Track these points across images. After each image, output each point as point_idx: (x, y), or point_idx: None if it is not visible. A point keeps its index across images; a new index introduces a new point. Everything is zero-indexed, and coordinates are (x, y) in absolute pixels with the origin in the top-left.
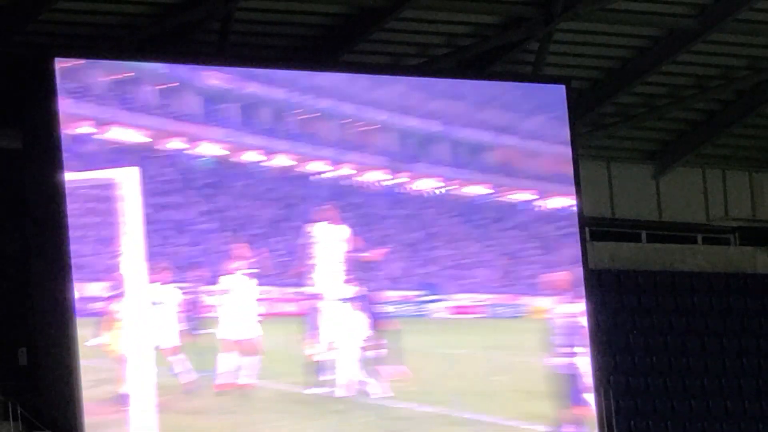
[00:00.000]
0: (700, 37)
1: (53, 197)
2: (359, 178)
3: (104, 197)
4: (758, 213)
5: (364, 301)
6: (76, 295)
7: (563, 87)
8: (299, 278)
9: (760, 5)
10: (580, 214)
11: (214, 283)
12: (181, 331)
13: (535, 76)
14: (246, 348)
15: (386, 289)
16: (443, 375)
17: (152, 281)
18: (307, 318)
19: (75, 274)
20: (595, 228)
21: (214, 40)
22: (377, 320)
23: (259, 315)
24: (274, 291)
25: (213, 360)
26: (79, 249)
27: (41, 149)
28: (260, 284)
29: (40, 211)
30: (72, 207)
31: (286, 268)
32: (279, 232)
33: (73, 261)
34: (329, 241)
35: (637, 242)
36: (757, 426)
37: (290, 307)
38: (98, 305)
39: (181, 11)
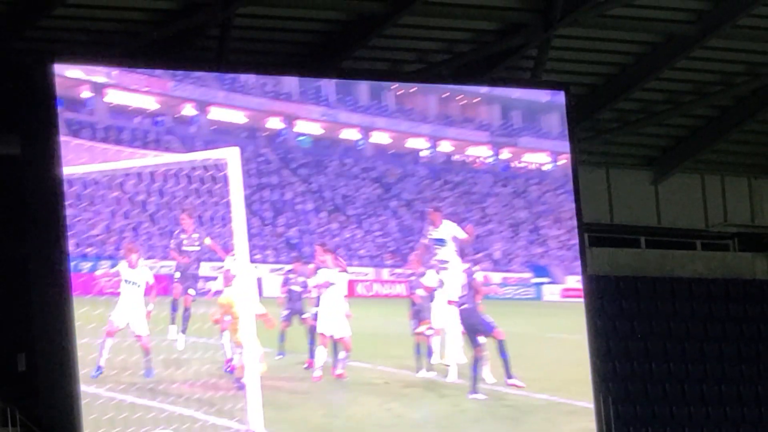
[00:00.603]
0: (699, 43)
1: (52, 203)
2: (460, 155)
3: (207, 178)
4: (757, 219)
5: (473, 284)
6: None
7: (562, 93)
8: (400, 259)
9: (759, 11)
10: (579, 220)
11: (309, 265)
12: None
13: (534, 82)
14: (341, 344)
15: (493, 270)
16: (557, 361)
17: (255, 262)
18: (413, 300)
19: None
20: (593, 234)
21: (214, 46)
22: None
23: (361, 296)
24: (375, 273)
25: (304, 343)
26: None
27: (40, 155)
28: (360, 265)
29: (39, 217)
30: (175, 188)
31: (386, 249)
32: (377, 212)
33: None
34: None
35: (636, 248)
36: (756, 431)
37: (392, 289)
38: (204, 285)
39: (181, 18)
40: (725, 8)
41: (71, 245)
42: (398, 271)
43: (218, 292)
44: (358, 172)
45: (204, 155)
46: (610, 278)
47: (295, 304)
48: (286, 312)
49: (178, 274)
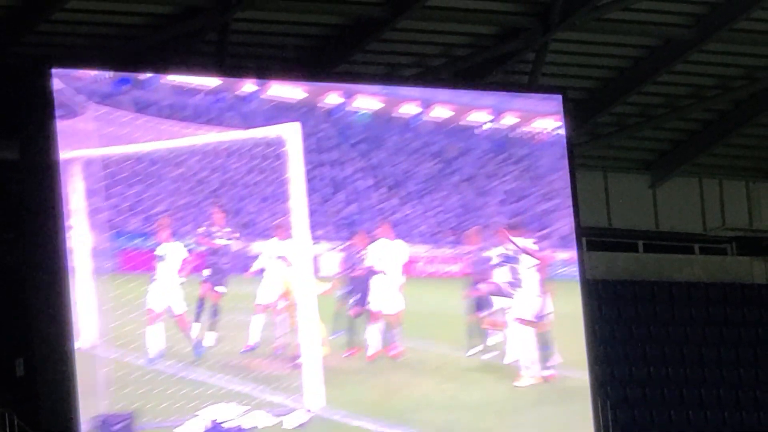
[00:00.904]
0: (697, 46)
1: (50, 208)
2: (524, 128)
3: (267, 154)
4: (755, 223)
5: (533, 263)
6: (249, 251)
7: (560, 97)
8: (460, 237)
9: (757, 15)
10: (577, 224)
11: (370, 242)
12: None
13: (532, 86)
14: (392, 320)
15: (560, 248)
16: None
17: (315, 240)
18: (471, 279)
19: (242, 231)
20: (591, 238)
21: (212, 50)
22: (546, 283)
23: (417, 275)
24: (433, 250)
25: (360, 321)
26: (244, 207)
27: (39, 160)
28: (420, 243)
29: (38, 223)
30: (236, 165)
31: (445, 226)
32: (437, 188)
33: (242, 219)
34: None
35: (634, 252)
36: None
37: (452, 267)
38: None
39: (179, 22)
40: (723, 12)
41: (137, 222)
42: (457, 249)
43: (259, 272)
44: (419, 147)
45: (264, 131)
46: (608, 282)
47: (351, 281)
48: (343, 290)
49: (207, 272)
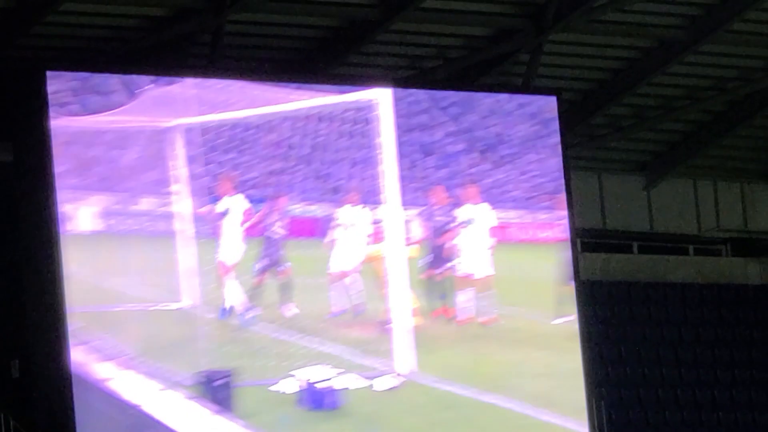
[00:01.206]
0: (691, 48)
1: (45, 210)
2: None
3: (358, 119)
4: (750, 224)
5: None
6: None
7: (554, 98)
8: (553, 203)
9: (751, 16)
10: (572, 226)
11: (456, 206)
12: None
13: (526, 87)
14: (481, 285)
15: None
16: None
17: (404, 205)
18: (562, 246)
19: (330, 196)
20: (586, 239)
21: (206, 52)
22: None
23: (508, 240)
24: (525, 216)
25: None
26: (334, 172)
27: (33, 162)
28: (510, 208)
29: (32, 224)
30: (327, 129)
31: (540, 191)
32: (532, 151)
33: (331, 185)
34: None
35: (629, 253)
36: None
37: (544, 234)
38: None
39: (172, 24)
40: (718, 13)
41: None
42: (552, 214)
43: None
44: (513, 109)
45: (356, 96)
46: (602, 283)
47: (438, 246)
48: (430, 254)
49: (259, 265)
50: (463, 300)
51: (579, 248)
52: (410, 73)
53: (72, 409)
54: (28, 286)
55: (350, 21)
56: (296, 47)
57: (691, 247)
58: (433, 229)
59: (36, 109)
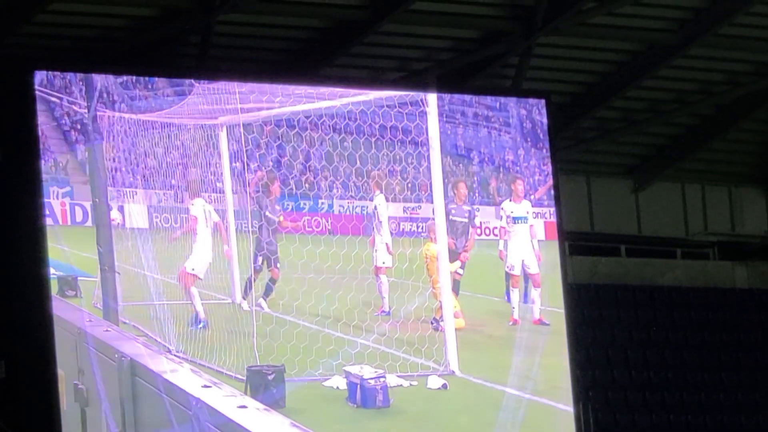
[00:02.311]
0: (680, 51)
1: (33, 211)
2: None
3: (404, 115)
4: (737, 228)
5: None
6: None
7: (543, 101)
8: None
9: (740, 20)
10: (560, 229)
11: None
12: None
13: (515, 90)
14: (532, 280)
15: None
16: None
17: (448, 204)
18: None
19: (372, 194)
20: (574, 242)
21: (194, 53)
22: None
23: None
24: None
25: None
26: (377, 169)
27: (21, 162)
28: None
29: (20, 225)
30: (373, 126)
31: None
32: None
33: (373, 182)
34: None
35: (617, 257)
36: None
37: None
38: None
39: (161, 25)
40: (707, 17)
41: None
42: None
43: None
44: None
45: (403, 92)
46: (590, 286)
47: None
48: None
49: (261, 259)
50: (515, 299)
51: (567, 251)
52: (399, 75)
53: (59, 411)
54: (15, 286)
55: (339, 22)
56: (285, 48)
57: (678, 251)
58: (486, 228)
59: (24, 109)
